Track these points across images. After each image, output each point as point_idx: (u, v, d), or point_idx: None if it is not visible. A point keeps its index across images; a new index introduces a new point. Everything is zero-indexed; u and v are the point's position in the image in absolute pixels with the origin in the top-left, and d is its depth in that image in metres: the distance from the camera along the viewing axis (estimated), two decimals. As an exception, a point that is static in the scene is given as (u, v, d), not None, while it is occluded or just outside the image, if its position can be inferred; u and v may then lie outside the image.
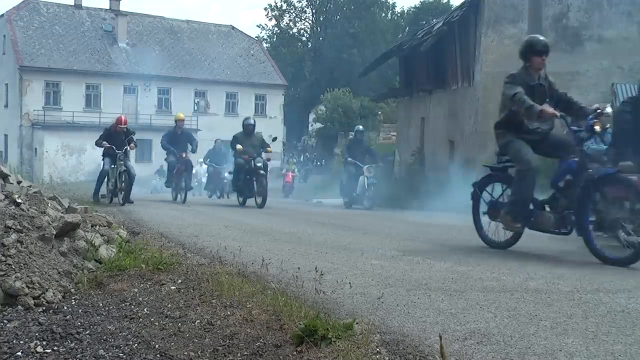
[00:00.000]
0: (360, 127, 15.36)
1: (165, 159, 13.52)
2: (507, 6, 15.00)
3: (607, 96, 14.90)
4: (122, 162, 10.96)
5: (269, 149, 12.62)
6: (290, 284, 3.82)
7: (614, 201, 5.08)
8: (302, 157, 37.91)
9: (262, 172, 11.92)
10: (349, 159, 14.06)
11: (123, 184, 10.83)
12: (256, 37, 51.70)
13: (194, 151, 13.16)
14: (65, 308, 3.32)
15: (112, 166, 11.12)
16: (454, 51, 17.11)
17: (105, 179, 11.29)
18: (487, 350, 2.62)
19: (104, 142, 11.14)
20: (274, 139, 16.09)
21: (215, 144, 18.92)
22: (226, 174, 17.12)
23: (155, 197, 15.82)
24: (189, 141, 13.15)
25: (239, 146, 12.10)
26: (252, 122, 12.89)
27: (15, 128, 36.84)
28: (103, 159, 11.47)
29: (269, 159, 12.67)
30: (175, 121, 13.42)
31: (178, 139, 13.01)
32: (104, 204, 10.71)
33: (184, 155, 12.77)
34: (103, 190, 11.37)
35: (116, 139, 11.23)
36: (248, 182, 12.17)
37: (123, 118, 11.75)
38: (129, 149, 11.26)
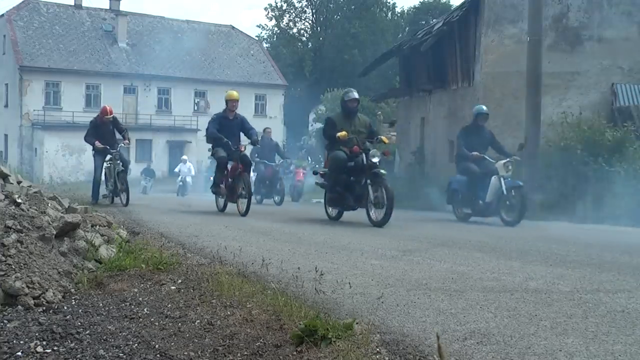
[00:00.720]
0: (484, 107, 10.05)
1: (213, 154, 9.84)
2: (507, 6, 15.02)
3: (607, 96, 14.92)
4: (118, 162, 10.63)
5: (384, 138, 8.64)
6: (290, 284, 3.82)
7: None
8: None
9: (381, 171, 8.00)
10: (473, 152, 9.50)
11: (124, 185, 10.65)
12: (256, 37, 51.79)
13: (254, 143, 10.01)
14: (65, 308, 3.32)
15: (108, 164, 10.85)
16: (454, 51, 17.13)
17: (104, 178, 11.10)
18: (487, 350, 2.62)
19: (97, 143, 10.71)
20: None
21: (263, 133, 14.48)
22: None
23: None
24: (243, 129, 9.80)
25: (342, 132, 8.22)
26: (355, 95, 8.64)
27: (15, 128, 36.86)
28: (94, 156, 10.99)
29: (385, 153, 8.90)
30: (226, 102, 9.79)
31: (230, 127, 9.60)
32: (104, 204, 10.69)
33: (242, 149, 9.48)
34: (103, 190, 11.25)
35: (105, 132, 10.83)
36: (354, 187, 8.27)
37: (108, 108, 11.04)
38: (122, 145, 10.90)
